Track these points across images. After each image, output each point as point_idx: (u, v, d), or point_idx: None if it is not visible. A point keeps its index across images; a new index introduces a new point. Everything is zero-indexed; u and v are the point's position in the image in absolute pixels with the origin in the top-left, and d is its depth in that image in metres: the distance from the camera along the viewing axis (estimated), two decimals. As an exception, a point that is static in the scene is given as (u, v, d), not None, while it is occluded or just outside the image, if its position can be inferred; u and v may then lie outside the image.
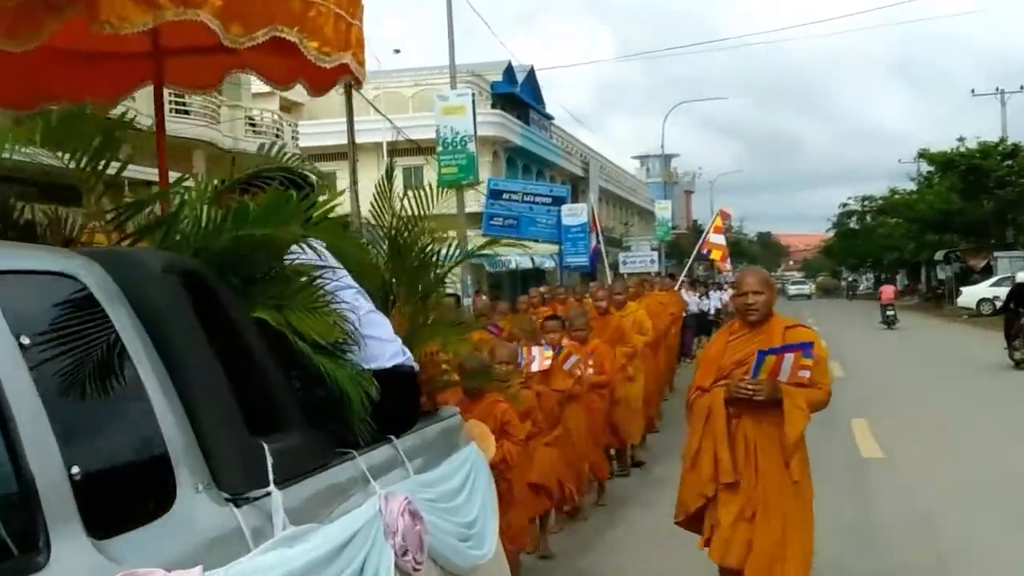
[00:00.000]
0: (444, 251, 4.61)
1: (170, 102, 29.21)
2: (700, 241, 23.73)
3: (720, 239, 25.55)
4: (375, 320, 3.64)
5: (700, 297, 27.61)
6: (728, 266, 34.01)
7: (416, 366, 3.85)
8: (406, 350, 3.75)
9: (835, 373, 20.24)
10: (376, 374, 3.40)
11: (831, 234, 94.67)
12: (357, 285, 3.68)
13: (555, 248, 32.37)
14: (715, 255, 25.82)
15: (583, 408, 8.69)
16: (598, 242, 28.44)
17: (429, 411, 4.13)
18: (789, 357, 5.29)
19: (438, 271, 4.57)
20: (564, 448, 7.98)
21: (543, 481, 7.37)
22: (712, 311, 28.84)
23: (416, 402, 3.89)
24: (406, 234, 4.46)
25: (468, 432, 4.37)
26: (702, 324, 26.49)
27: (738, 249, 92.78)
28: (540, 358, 7.85)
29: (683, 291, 23.54)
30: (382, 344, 3.60)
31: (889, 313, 36.48)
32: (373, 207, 4.56)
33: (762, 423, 5.37)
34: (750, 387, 5.28)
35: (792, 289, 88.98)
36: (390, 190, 4.59)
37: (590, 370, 9.01)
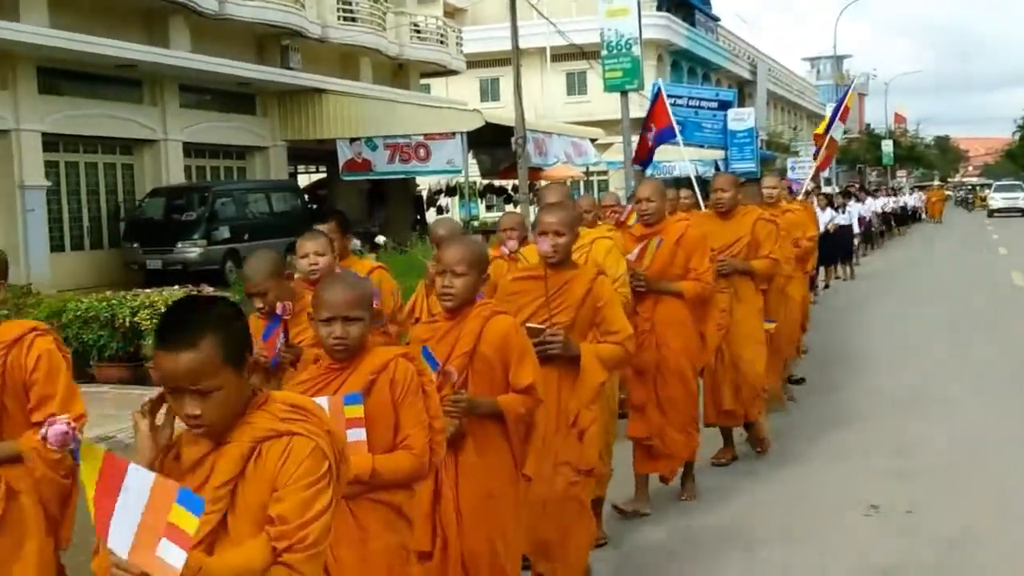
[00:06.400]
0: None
1: (337, 9, 29.61)
2: (830, 127, 15.44)
3: (839, 132, 16.90)
4: None
5: (838, 210, 21.74)
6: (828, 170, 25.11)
7: None
8: None
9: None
10: None
11: (1016, 138, 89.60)
12: None
13: (719, 154, 31.74)
14: (819, 156, 16.60)
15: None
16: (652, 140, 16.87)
17: None
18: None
19: None
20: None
21: None
22: (862, 221, 23.99)
23: None
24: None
25: None
26: (836, 244, 20.17)
27: (913, 154, 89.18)
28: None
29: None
30: None
31: None
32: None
33: None
34: None
35: (998, 199, 54.44)
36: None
37: None
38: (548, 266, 4.90)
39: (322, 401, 3.19)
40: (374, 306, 3.65)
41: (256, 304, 4.73)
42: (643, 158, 15.65)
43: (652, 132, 14.60)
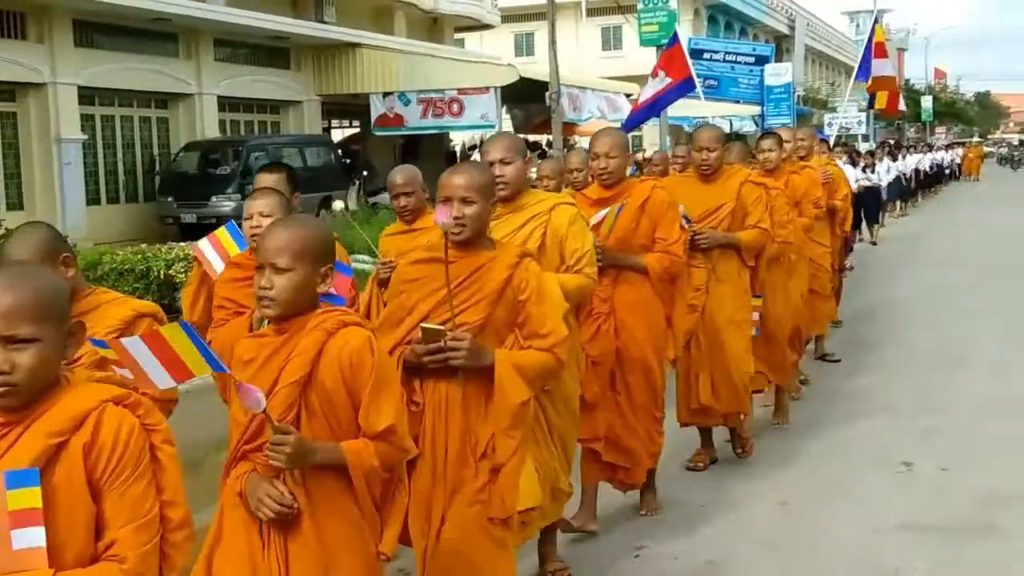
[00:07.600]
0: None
1: (371, -37, 29.46)
2: (858, 71, 14.95)
3: (887, 68, 15.45)
4: None
5: (865, 170, 20.40)
6: (902, 107, 23.99)
7: None
8: None
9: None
10: None
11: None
12: None
13: (755, 109, 31.48)
14: (880, 100, 15.69)
15: None
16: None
17: None
18: None
19: None
20: None
21: None
22: (887, 182, 23.29)
23: None
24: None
25: None
26: (861, 205, 17.94)
27: (953, 110, 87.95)
28: None
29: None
30: None
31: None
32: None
33: None
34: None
35: None
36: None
37: None
38: (453, 245, 3.60)
39: None
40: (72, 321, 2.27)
41: None
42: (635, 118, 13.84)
43: (657, 87, 12.99)
